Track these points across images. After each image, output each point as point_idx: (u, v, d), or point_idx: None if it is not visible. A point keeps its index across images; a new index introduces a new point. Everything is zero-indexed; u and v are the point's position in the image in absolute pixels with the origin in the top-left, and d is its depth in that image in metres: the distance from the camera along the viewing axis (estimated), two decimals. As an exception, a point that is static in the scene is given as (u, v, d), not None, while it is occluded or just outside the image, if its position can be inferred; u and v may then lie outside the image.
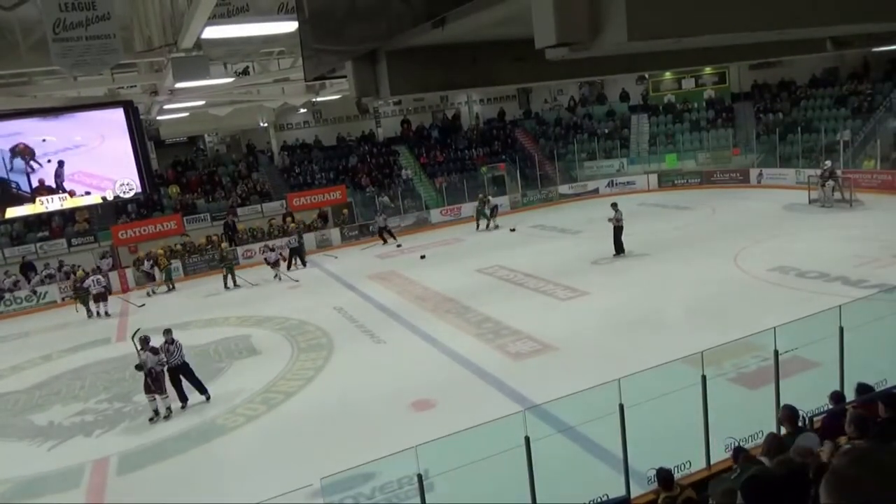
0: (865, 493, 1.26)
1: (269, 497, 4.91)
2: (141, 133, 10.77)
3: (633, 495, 6.04)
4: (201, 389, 10.94)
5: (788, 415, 5.83)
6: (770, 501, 2.54)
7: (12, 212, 10.39)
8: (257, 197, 26.10)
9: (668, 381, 6.55)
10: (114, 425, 10.65)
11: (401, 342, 12.83)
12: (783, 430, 5.86)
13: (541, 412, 7.62)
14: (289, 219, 24.42)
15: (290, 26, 7.23)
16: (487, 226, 24.03)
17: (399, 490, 7.03)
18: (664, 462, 5.66)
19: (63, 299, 20.09)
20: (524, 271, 16.71)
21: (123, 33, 8.20)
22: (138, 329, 11.19)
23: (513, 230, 22.93)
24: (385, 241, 23.45)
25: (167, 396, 10.57)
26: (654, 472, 5.58)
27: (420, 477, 5.30)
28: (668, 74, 29.26)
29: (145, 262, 21.04)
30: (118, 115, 10.20)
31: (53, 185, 9.99)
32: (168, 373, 10.62)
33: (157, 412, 10.48)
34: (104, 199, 10.65)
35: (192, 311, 17.48)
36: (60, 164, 10.03)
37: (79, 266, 21.14)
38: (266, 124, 28.17)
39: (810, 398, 6.60)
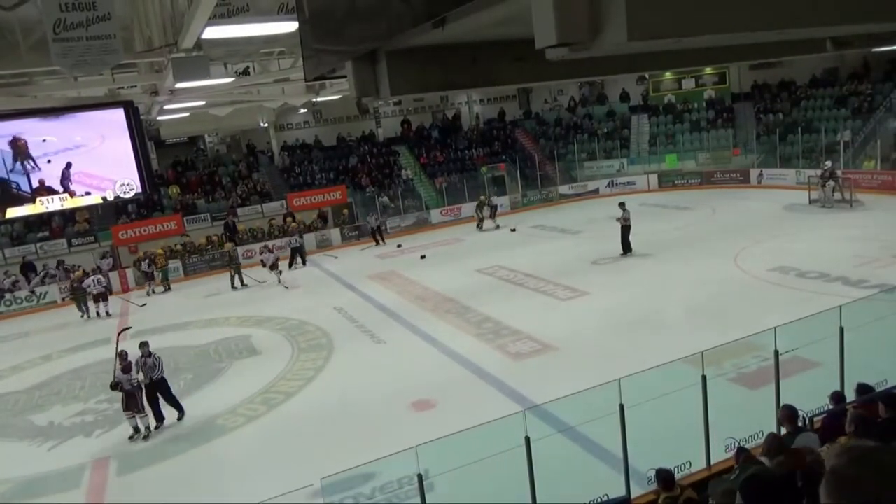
0: (865, 493, 1.25)
1: (269, 497, 4.91)
2: (141, 133, 10.77)
3: (633, 495, 6.04)
4: (177, 408, 10.36)
5: (788, 414, 5.83)
6: (769, 501, 2.53)
7: (12, 212, 10.38)
8: (257, 197, 26.10)
9: (669, 381, 6.55)
10: (114, 425, 10.64)
11: (401, 342, 12.83)
12: (783, 430, 5.86)
13: (541, 412, 7.62)
14: (289, 219, 24.44)
15: (291, 26, 7.23)
16: (479, 226, 24.01)
17: (399, 490, 7.02)
18: (664, 462, 5.66)
19: (63, 299, 20.11)
20: (524, 271, 16.71)
21: (124, 33, 8.21)
22: (128, 328, 11.05)
23: (513, 230, 22.93)
24: (377, 243, 23.44)
25: (145, 415, 9.97)
26: (654, 472, 5.57)
27: (420, 477, 5.30)
28: (668, 75, 29.26)
29: (143, 262, 21.07)
30: (118, 115, 10.19)
31: (59, 187, 10.00)
32: (145, 389, 10.02)
33: (136, 429, 9.93)
34: (104, 199, 10.64)
35: (192, 311, 17.49)
36: (68, 165, 10.03)
37: (79, 266, 21.17)
38: (266, 124, 28.18)
39: (810, 398, 6.60)
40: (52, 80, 11.84)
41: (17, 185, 9.77)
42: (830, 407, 6.31)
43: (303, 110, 28.70)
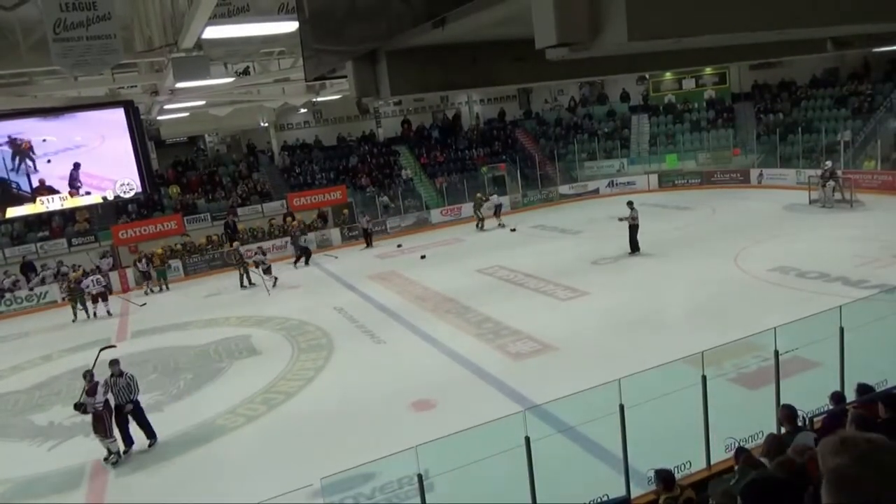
0: (866, 493, 1.25)
1: (269, 497, 4.91)
2: (141, 133, 10.77)
3: (633, 495, 6.04)
4: (148, 433, 9.55)
5: (787, 414, 5.83)
6: None
7: (12, 211, 10.39)
8: (257, 197, 26.11)
9: (669, 381, 6.55)
10: (114, 425, 10.63)
11: (401, 342, 12.83)
12: (783, 430, 5.86)
13: (541, 412, 7.62)
14: (289, 218, 24.46)
15: (291, 26, 7.24)
16: (478, 226, 23.99)
17: (399, 490, 7.02)
18: (664, 462, 5.66)
19: (63, 299, 20.10)
20: (524, 271, 16.71)
21: (124, 33, 8.21)
22: (112, 346, 10.48)
23: (513, 230, 22.93)
24: (368, 244, 23.32)
25: (114, 440, 9.16)
26: (653, 472, 5.57)
27: (420, 477, 5.30)
28: (668, 75, 29.26)
29: (140, 262, 21.09)
30: (118, 115, 10.20)
31: (65, 187, 10.02)
32: (114, 412, 9.26)
33: (110, 451, 9.18)
34: (104, 199, 10.65)
35: (192, 310, 17.49)
36: (76, 165, 10.04)
37: (79, 266, 21.17)
38: (266, 124, 28.18)
39: (810, 398, 6.60)
40: (52, 79, 11.84)
41: (18, 185, 9.77)
42: (830, 407, 6.31)
43: (303, 110, 28.71)
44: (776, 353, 6.67)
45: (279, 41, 11.24)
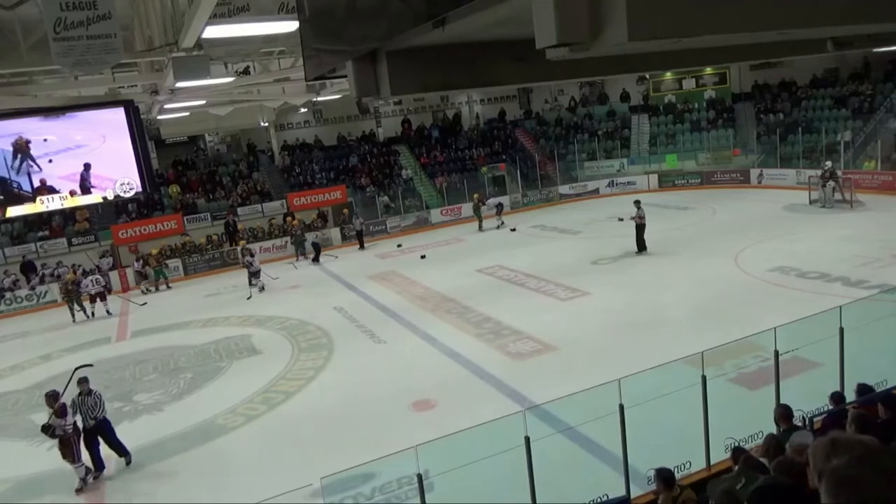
0: (866, 494, 1.25)
1: (269, 497, 4.91)
2: (141, 132, 10.77)
3: (633, 495, 6.04)
4: (121, 451, 9.05)
5: (783, 413, 5.83)
6: None
7: (12, 211, 10.39)
8: (258, 197, 26.10)
9: (668, 381, 6.55)
10: (114, 425, 10.62)
11: (401, 342, 12.83)
12: (780, 429, 5.86)
13: (541, 412, 7.63)
14: (289, 218, 24.47)
15: (291, 26, 7.24)
16: (480, 226, 24.03)
17: (399, 490, 7.02)
18: (664, 462, 5.66)
19: (62, 300, 20.09)
20: (524, 271, 16.71)
21: (124, 33, 8.21)
22: (88, 364, 9.92)
23: (513, 230, 22.93)
24: (362, 246, 23.23)
25: (81, 465, 8.59)
26: (653, 472, 5.57)
27: (420, 477, 5.30)
28: (668, 75, 29.25)
29: (137, 262, 21.11)
30: (119, 114, 10.20)
31: (79, 190, 10.04)
32: (83, 433, 8.69)
33: (79, 478, 8.62)
34: (104, 198, 10.65)
35: (192, 310, 17.49)
36: (87, 166, 10.04)
37: (79, 266, 21.18)
38: (266, 124, 28.17)
39: (810, 399, 6.59)
40: (52, 79, 11.85)
41: (19, 184, 9.78)
42: (830, 407, 6.31)
43: (303, 110, 28.70)
44: (776, 353, 6.67)
45: (279, 41, 11.25)
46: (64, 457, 8.56)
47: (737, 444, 6.07)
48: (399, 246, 22.71)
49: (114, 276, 21.58)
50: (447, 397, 9.78)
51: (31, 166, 9.75)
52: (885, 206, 19.07)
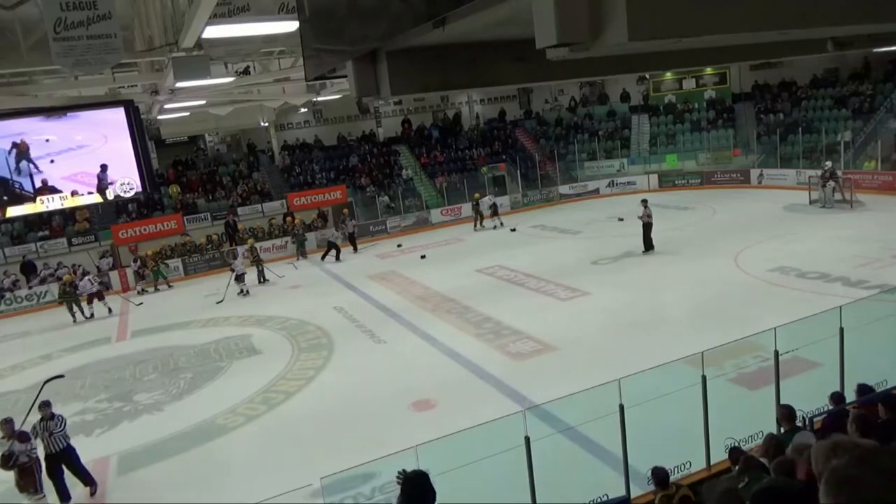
0: (866, 494, 1.25)
1: (269, 497, 4.91)
2: (141, 132, 10.77)
3: (633, 495, 6.04)
4: (87, 480, 8.47)
5: (785, 413, 5.83)
6: None
7: (13, 211, 10.39)
8: (258, 196, 26.10)
9: (668, 381, 6.56)
10: (114, 425, 10.65)
11: (401, 342, 12.83)
12: (782, 430, 5.86)
13: (541, 412, 7.63)
14: (289, 218, 24.48)
15: (291, 26, 7.24)
16: (475, 226, 24.02)
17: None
18: (664, 462, 5.66)
19: (60, 300, 20.10)
20: (524, 271, 16.71)
21: (124, 33, 8.22)
22: (60, 375, 9.65)
23: (513, 230, 22.93)
24: (355, 250, 22.75)
25: (43, 496, 7.93)
26: (651, 472, 5.58)
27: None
28: (668, 75, 29.25)
29: (134, 262, 21.12)
30: (119, 114, 10.20)
31: (95, 192, 10.08)
32: (45, 461, 8.06)
33: None
34: (105, 198, 10.65)
35: (192, 310, 17.49)
36: (103, 167, 10.04)
37: (79, 266, 21.18)
38: (266, 124, 28.17)
39: (810, 399, 6.60)
40: (52, 79, 11.85)
41: (21, 185, 9.78)
42: (830, 408, 6.31)
43: (303, 110, 28.71)
44: (776, 353, 6.67)
45: (279, 41, 11.25)
46: (22, 489, 7.79)
47: (736, 444, 6.07)
48: (399, 246, 22.70)
49: (114, 275, 21.58)
50: (447, 397, 9.78)
51: (32, 167, 9.75)
52: (885, 206, 19.07)
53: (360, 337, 13.38)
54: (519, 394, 9.54)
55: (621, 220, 21.32)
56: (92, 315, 18.17)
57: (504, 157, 29.60)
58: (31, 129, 9.76)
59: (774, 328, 6.69)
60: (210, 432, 9.87)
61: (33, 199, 9.92)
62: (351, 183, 27.21)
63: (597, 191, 27.98)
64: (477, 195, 24.75)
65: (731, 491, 3.69)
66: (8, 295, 20.22)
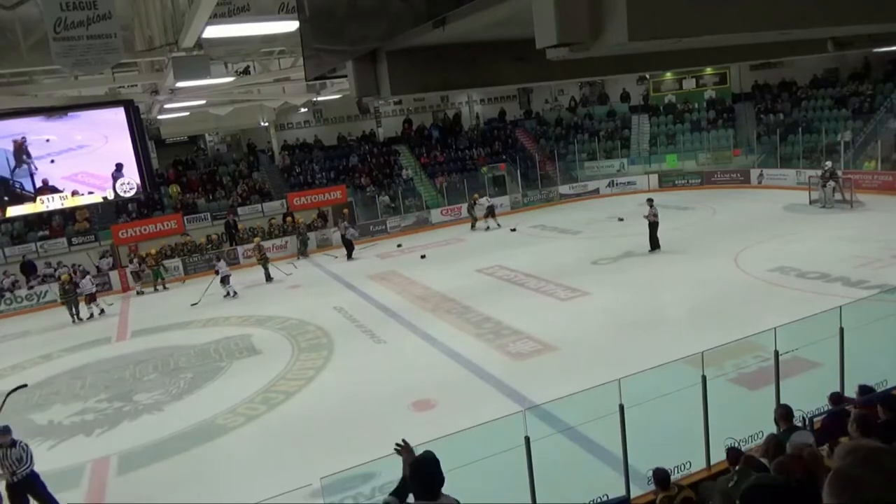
0: (870, 494, 1.25)
1: (269, 497, 4.91)
2: (142, 132, 10.76)
3: (633, 496, 6.04)
4: None
5: (783, 413, 5.84)
6: None
7: (13, 211, 10.39)
8: (258, 196, 26.11)
9: (668, 381, 6.55)
10: (114, 425, 10.65)
11: (401, 342, 12.83)
12: (780, 429, 5.86)
13: (541, 412, 7.62)
14: (289, 218, 24.48)
15: (291, 26, 7.24)
16: (473, 226, 24.04)
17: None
18: (664, 462, 5.66)
19: (62, 300, 20.10)
20: (524, 271, 16.71)
21: (124, 33, 8.21)
22: (14, 390, 9.21)
23: (513, 230, 22.92)
24: (349, 256, 22.23)
25: None
26: (651, 473, 5.58)
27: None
28: (668, 75, 29.25)
29: (132, 262, 21.12)
30: (119, 114, 10.19)
31: (112, 195, 10.09)
32: (7, 491, 7.55)
33: None
34: (105, 198, 10.64)
35: (192, 310, 17.49)
36: (119, 167, 10.04)
37: (79, 265, 21.18)
38: (266, 124, 28.18)
39: (810, 399, 6.59)
40: (52, 79, 11.85)
41: (21, 185, 9.77)
42: (829, 408, 6.31)
43: (303, 110, 28.70)
44: (776, 353, 6.67)
45: (279, 41, 11.24)
46: None
47: (736, 444, 6.07)
48: (399, 246, 22.70)
49: (114, 275, 21.58)
50: (447, 397, 9.78)
51: (32, 166, 9.74)
52: (885, 206, 19.07)
53: (360, 337, 13.38)
54: (519, 394, 9.54)
55: (621, 220, 21.33)
56: (92, 315, 18.18)
57: (504, 157, 29.60)
58: (31, 129, 9.75)
59: (774, 328, 6.68)
60: (210, 432, 9.88)
61: (33, 199, 9.91)
62: (351, 183, 27.21)
63: (597, 191, 27.99)
64: (476, 195, 24.74)
65: (724, 492, 3.68)
66: (8, 295, 20.22)
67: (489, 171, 28.12)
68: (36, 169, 9.73)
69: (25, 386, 9.87)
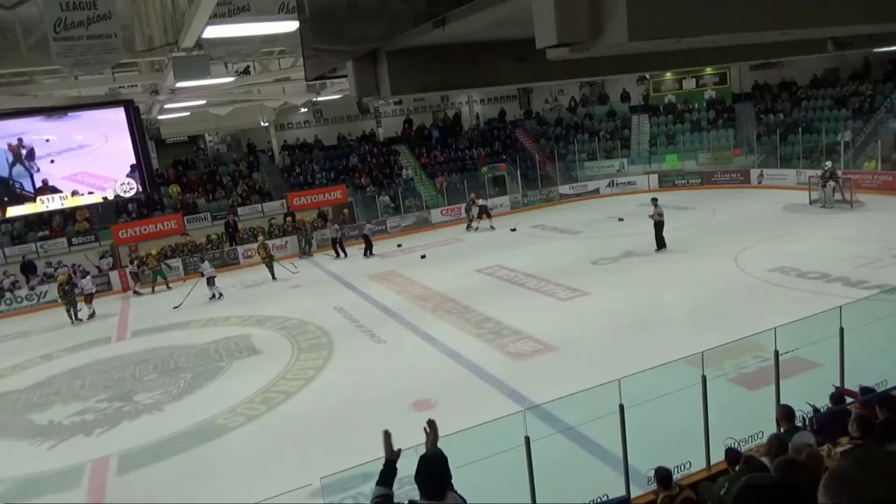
0: (867, 495, 1.25)
1: (269, 497, 4.91)
2: (142, 132, 10.76)
3: (633, 495, 6.04)
4: None
5: (785, 413, 5.84)
6: None
7: (13, 211, 10.39)
8: (258, 196, 26.11)
9: (668, 381, 6.55)
10: (114, 424, 10.65)
11: (401, 342, 12.83)
12: (781, 429, 5.86)
13: (541, 412, 7.62)
14: (289, 218, 24.49)
15: (291, 26, 7.24)
16: (468, 226, 24.08)
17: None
18: (664, 462, 5.66)
19: (62, 300, 20.09)
20: (524, 271, 16.71)
21: (124, 33, 8.22)
22: None
23: (513, 230, 22.93)
24: (338, 255, 22.40)
25: None
26: (654, 472, 5.58)
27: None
28: (668, 75, 29.25)
29: (132, 263, 21.12)
30: (119, 114, 10.20)
31: (112, 195, 10.13)
32: None
33: None
34: (105, 198, 10.65)
35: (192, 310, 17.49)
36: (133, 168, 10.06)
37: (79, 265, 21.18)
38: (266, 124, 28.19)
39: (810, 399, 6.59)
40: (52, 79, 11.85)
41: (21, 185, 9.78)
42: (830, 407, 6.31)
43: (303, 110, 28.70)
44: (776, 353, 6.67)
45: (279, 41, 11.25)
46: None
47: (736, 444, 6.08)
48: (399, 246, 22.70)
49: (114, 275, 21.58)
50: (447, 397, 9.77)
51: (32, 166, 9.75)
52: (885, 206, 19.06)
53: (360, 337, 13.38)
54: (519, 394, 9.54)
55: (621, 220, 21.34)
56: (93, 314, 18.17)
57: (504, 157, 29.60)
58: (31, 129, 9.75)
59: (774, 328, 6.68)
60: (210, 432, 9.87)
61: (33, 199, 9.92)
62: (351, 183, 27.22)
63: (597, 191, 27.99)
64: (472, 196, 24.76)
65: (717, 501, 3.67)
66: (8, 295, 20.22)
67: (489, 171, 28.12)
68: (38, 169, 9.74)
69: None
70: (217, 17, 7.63)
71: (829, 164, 20.67)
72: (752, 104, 28.47)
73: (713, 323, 11.23)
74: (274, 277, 19.97)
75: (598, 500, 5.88)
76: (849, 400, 6.40)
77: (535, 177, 28.41)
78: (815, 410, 6.27)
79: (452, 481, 3.77)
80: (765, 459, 4.77)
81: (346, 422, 9.52)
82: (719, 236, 17.91)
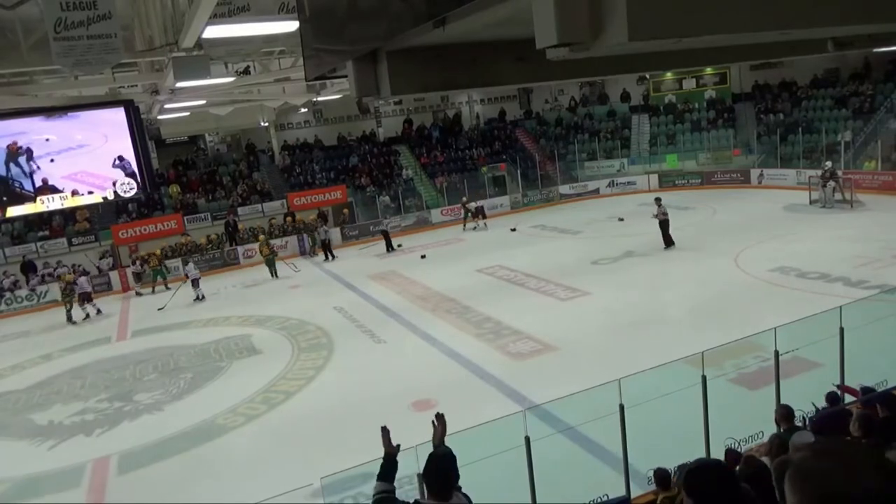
0: (831, 486, 1.25)
1: (269, 497, 4.91)
2: (142, 132, 10.77)
3: (633, 495, 6.04)
4: None
5: (784, 413, 5.83)
6: (709, 492, 2.46)
7: (13, 211, 10.39)
8: (258, 196, 26.11)
9: (669, 381, 6.55)
10: (114, 424, 10.65)
11: (401, 342, 12.83)
12: (781, 429, 5.86)
13: (541, 412, 7.62)
14: (289, 218, 24.48)
15: (291, 26, 7.24)
16: (464, 227, 24.15)
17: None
18: (664, 462, 5.66)
19: (64, 300, 20.09)
20: (525, 271, 16.71)
21: (124, 33, 8.22)
22: None
23: (513, 230, 22.93)
24: (328, 258, 22.33)
25: None
26: (653, 472, 5.58)
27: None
28: (669, 75, 29.24)
29: (134, 264, 21.12)
30: (119, 114, 10.20)
31: (112, 195, 10.14)
32: None
33: None
34: (105, 198, 10.65)
35: (192, 310, 17.49)
36: (121, 158, 10.07)
37: (79, 265, 21.18)
38: (266, 124, 28.19)
39: (811, 399, 6.59)
40: (52, 79, 11.85)
41: (21, 184, 9.78)
42: (828, 407, 6.31)
43: (303, 110, 28.69)
44: (776, 353, 6.67)
45: (279, 41, 11.25)
46: None
47: (736, 444, 6.08)
48: (399, 246, 22.70)
49: (114, 275, 21.58)
50: (447, 397, 9.76)
51: (32, 166, 9.75)
52: (885, 206, 19.06)
53: (360, 337, 13.38)
54: (519, 394, 9.54)
55: (621, 220, 21.34)
56: (87, 316, 18.15)
57: (504, 157, 29.60)
58: (31, 129, 9.76)
59: (774, 328, 6.68)
60: (210, 432, 9.88)
61: (33, 199, 9.92)
62: (351, 183, 27.22)
63: (597, 191, 27.99)
64: (464, 199, 24.84)
65: None
66: (8, 295, 20.23)
67: (489, 170, 28.13)
68: (38, 168, 9.74)
69: None
70: (217, 17, 7.63)
71: (829, 164, 20.67)
72: (753, 104, 28.47)
73: (713, 323, 11.23)
74: (276, 276, 19.95)
75: (598, 500, 5.89)
76: (848, 399, 6.40)
77: (536, 177, 28.41)
78: (818, 410, 6.27)
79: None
80: (765, 459, 4.77)
81: (346, 422, 9.52)
82: (719, 236, 17.91)
